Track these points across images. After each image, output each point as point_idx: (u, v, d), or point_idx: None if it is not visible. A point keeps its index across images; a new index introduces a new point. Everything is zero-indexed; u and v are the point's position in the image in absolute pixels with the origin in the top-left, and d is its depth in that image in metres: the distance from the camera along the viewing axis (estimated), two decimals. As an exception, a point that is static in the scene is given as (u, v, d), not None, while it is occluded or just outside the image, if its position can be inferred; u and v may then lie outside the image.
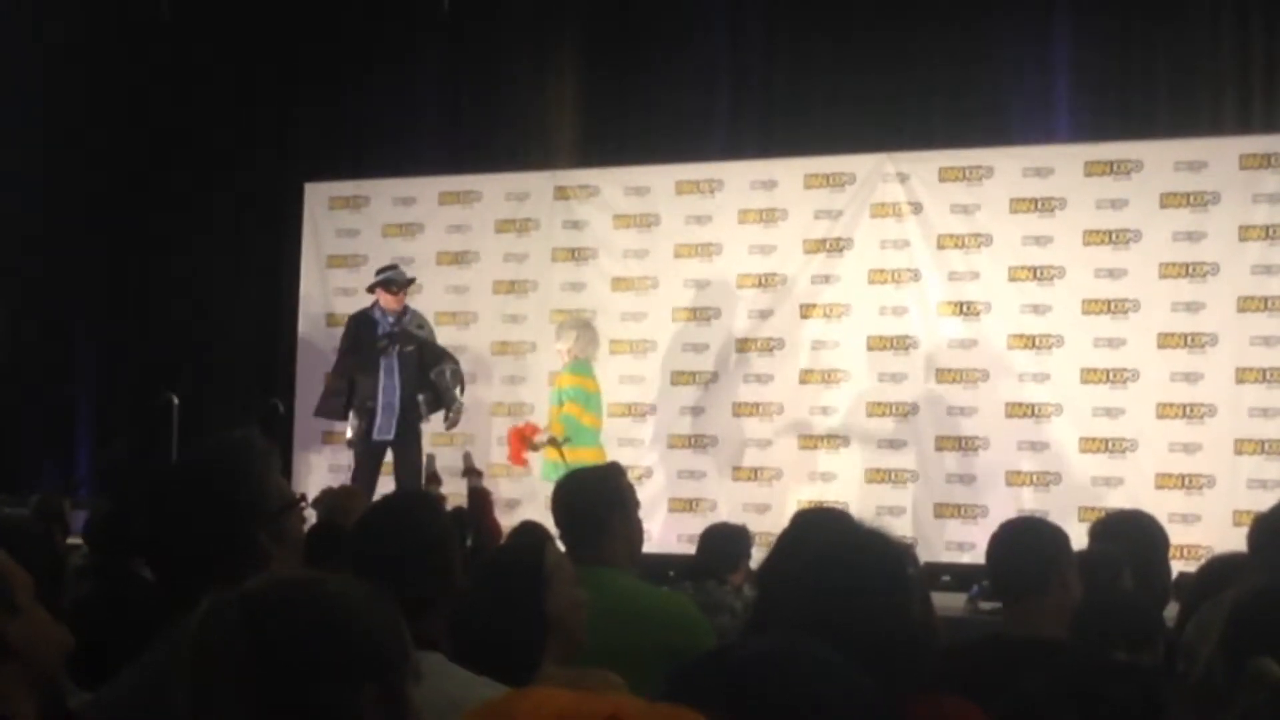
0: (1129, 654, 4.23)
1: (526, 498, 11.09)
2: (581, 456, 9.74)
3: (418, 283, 12.23)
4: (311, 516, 6.15)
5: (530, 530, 6.00)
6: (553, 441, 10.12)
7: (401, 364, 10.61)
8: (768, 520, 10.32)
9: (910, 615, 2.84)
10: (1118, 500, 9.99)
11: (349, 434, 10.80)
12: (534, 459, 10.65)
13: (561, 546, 4.10)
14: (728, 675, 1.88)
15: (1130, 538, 5.30)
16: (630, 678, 3.20)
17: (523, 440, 10.34)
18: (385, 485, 10.50)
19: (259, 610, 2.03)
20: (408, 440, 10.59)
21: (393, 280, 10.84)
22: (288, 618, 2.03)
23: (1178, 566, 6.25)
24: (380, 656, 2.06)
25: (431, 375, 10.64)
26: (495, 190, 12.17)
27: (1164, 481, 10.22)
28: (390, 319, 10.77)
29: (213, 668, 2.01)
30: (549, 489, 6.20)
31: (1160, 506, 9.27)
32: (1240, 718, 2.25)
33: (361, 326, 10.85)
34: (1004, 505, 10.25)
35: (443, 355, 10.77)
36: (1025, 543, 4.33)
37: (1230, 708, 2.36)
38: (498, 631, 3.41)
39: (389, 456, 10.72)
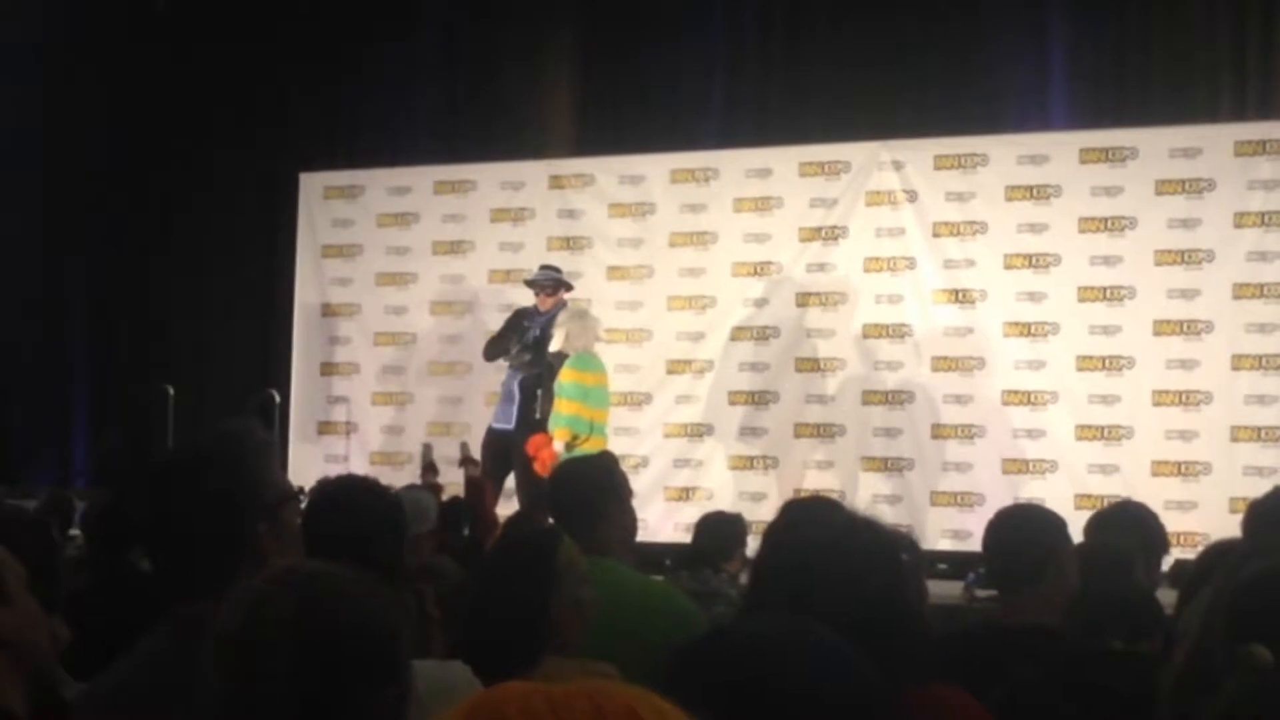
0: (1127, 643, 4.23)
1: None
2: (591, 448, 9.70)
3: (414, 273, 12.25)
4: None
5: (531, 521, 6.00)
6: (569, 448, 9.99)
7: (517, 355, 10.54)
8: (764, 509, 10.33)
9: (906, 602, 2.84)
10: (1114, 488, 10.00)
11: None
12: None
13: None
14: (728, 656, 1.88)
15: (1136, 531, 5.30)
16: (625, 668, 3.21)
17: (543, 465, 10.07)
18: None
19: (316, 611, 2.03)
20: (524, 434, 10.39)
21: (531, 282, 10.79)
22: (340, 619, 2.03)
23: (1174, 554, 6.26)
24: (399, 659, 2.07)
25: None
26: (490, 179, 12.17)
27: (1160, 469, 10.23)
28: (540, 317, 10.68)
29: (262, 665, 2.01)
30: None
31: (1156, 494, 9.32)
32: (1229, 701, 2.25)
33: (516, 317, 10.82)
34: (1000, 493, 10.25)
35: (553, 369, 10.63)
36: (1022, 531, 4.32)
37: (1222, 692, 2.37)
38: (503, 624, 3.40)
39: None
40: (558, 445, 9.83)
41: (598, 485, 4.60)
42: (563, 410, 9.97)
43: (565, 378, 10.06)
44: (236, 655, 2.03)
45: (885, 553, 2.83)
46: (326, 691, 2.00)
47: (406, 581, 3.75)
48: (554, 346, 10.18)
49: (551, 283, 10.71)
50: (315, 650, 2.00)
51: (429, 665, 3.16)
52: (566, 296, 10.77)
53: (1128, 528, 5.31)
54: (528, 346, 10.53)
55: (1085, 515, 5.83)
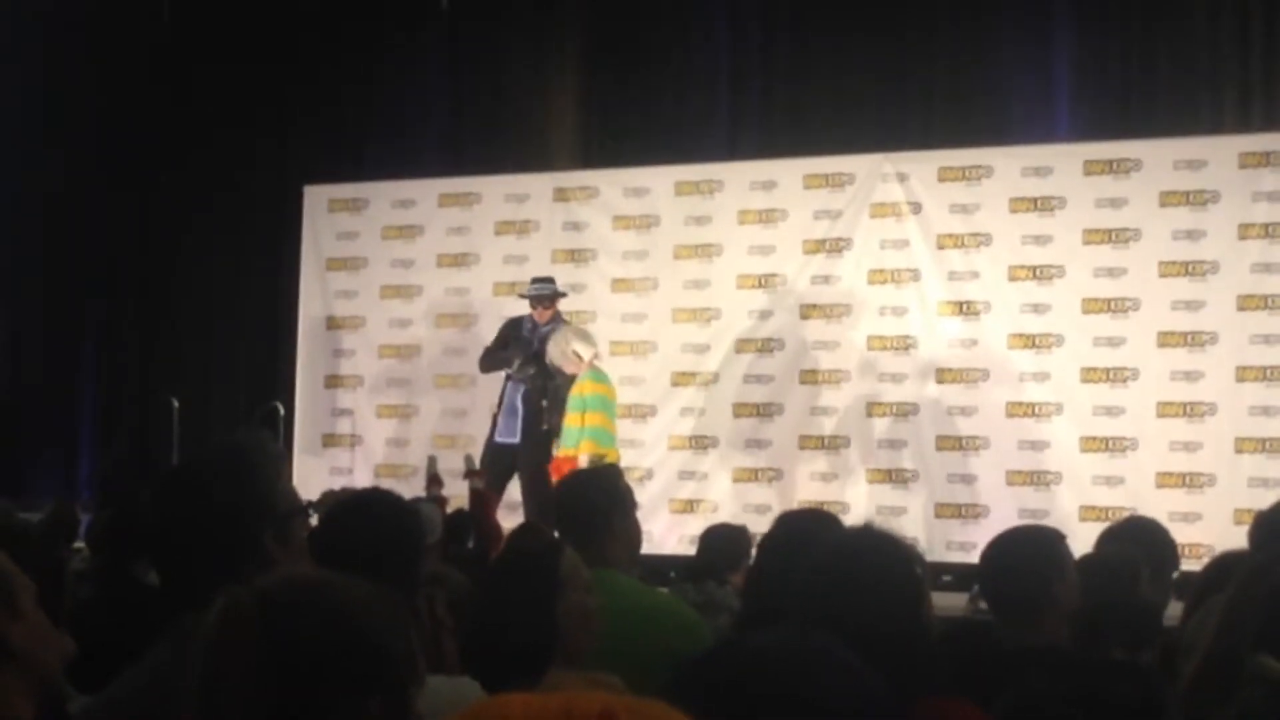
0: (1129, 653, 4.22)
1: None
2: (613, 460, 9.70)
3: (418, 285, 12.25)
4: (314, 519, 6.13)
5: (536, 533, 5.99)
6: (594, 461, 9.96)
7: (522, 368, 10.52)
8: (768, 521, 10.20)
9: (920, 615, 2.85)
10: (1119, 499, 9.99)
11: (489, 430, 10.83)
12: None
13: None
14: (737, 668, 1.88)
15: (1144, 542, 5.29)
16: (630, 679, 3.21)
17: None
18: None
19: (276, 611, 2.03)
20: (532, 448, 10.45)
21: (531, 296, 10.77)
22: (303, 621, 2.02)
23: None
24: (389, 667, 2.05)
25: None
26: (495, 192, 12.18)
27: (1165, 480, 10.21)
28: (529, 327, 10.69)
29: (225, 665, 2.01)
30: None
31: (1161, 505, 9.31)
32: (1239, 711, 2.26)
33: (509, 328, 10.83)
34: (1004, 505, 10.26)
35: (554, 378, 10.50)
36: (1014, 566, 4.23)
37: (1235, 701, 2.37)
38: (508, 635, 3.40)
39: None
40: (583, 462, 9.75)
41: (603, 497, 4.59)
42: (589, 423, 9.94)
43: (588, 390, 10.01)
44: (204, 659, 2.03)
45: (902, 566, 2.83)
46: (291, 697, 1.99)
47: (419, 592, 3.75)
48: (587, 357, 10.12)
49: (550, 294, 10.73)
50: (275, 654, 1.99)
51: (439, 681, 3.15)
52: (570, 310, 10.79)
53: (1139, 541, 5.29)
54: (532, 359, 10.52)
55: (1090, 527, 5.84)
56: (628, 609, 4.16)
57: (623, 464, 9.70)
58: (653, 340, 11.59)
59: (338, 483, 11.00)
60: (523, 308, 10.98)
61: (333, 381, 12.59)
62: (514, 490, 10.73)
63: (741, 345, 11.34)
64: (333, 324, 12.59)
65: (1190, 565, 6.65)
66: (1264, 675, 2.34)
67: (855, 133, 11.43)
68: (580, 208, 11.92)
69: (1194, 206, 10.29)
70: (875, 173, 11.06)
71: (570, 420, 10.05)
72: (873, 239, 11.04)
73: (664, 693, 1.80)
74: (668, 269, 11.59)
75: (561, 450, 10.04)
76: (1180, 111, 10.93)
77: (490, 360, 10.85)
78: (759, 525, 9.38)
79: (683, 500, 11.38)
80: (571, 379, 10.22)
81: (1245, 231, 10.19)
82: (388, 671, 2.05)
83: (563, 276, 11.63)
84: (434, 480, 10.11)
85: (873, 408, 10.97)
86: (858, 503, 10.59)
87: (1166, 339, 10.30)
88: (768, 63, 12.26)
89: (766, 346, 11.28)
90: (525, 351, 10.55)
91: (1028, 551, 4.30)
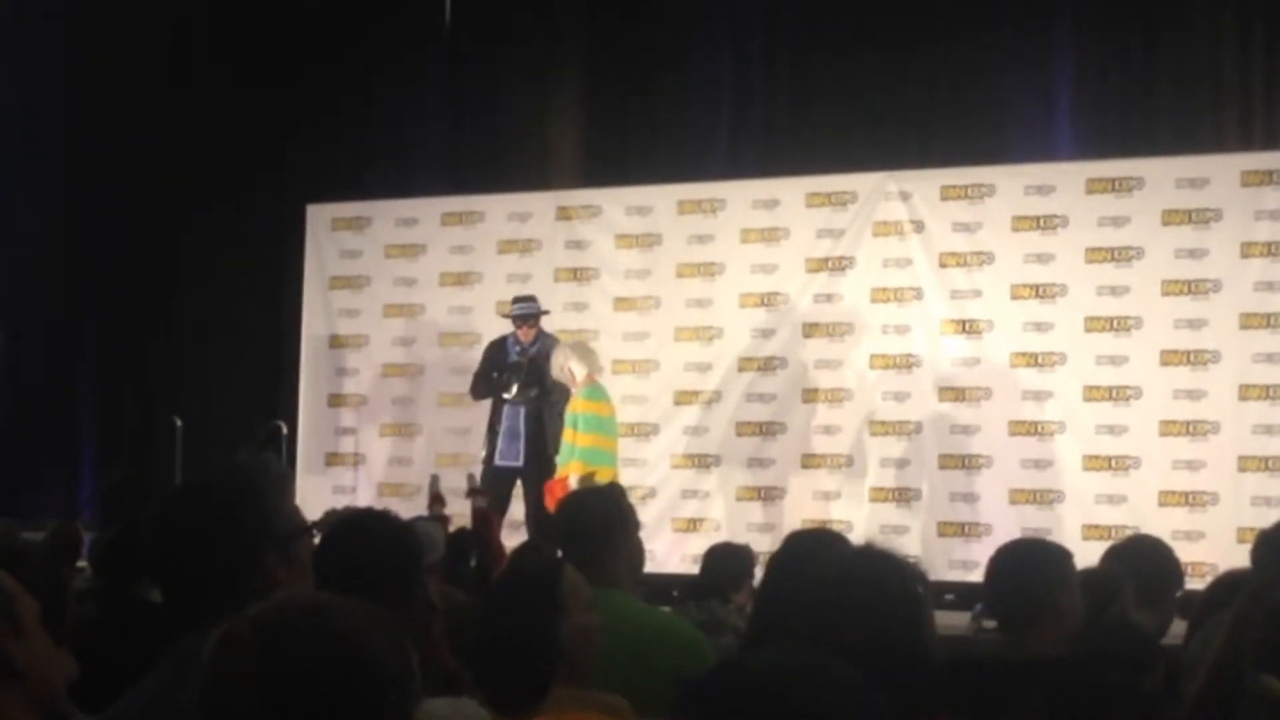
0: (1132, 673, 4.22)
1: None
2: (604, 478, 9.71)
3: (421, 304, 12.27)
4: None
5: (537, 551, 5.99)
6: (584, 482, 9.97)
7: (523, 391, 10.54)
8: (771, 540, 10.30)
9: (921, 634, 2.85)
10: (1122, 518, 9.99)
11: (483, 453, 10.82)
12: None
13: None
14: (738, 687, 1.88)
15: (1147, 560, 5.29)
16: (633, 698, 3.21)
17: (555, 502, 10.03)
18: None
19: (274, 635, 2.03)
20: (538, 468, 10.49)
21: (513, 316, 10.81)
22: (302, 645, 2.02)
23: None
24: (388, 688, 2.05)
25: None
26: (497, 211, 12.19)
27: (1167, 499, 10.21)
28: (518, 348, 10.73)
29: (225, 689, 2.01)
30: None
31: (1164, 524, 9.31)
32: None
33: (495, 351, 10.86)
34: (1007, 523, 10.24)
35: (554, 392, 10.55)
36: (1021, 571, 4.22)
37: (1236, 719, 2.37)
38: (510, 654, 3.40)
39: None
40: (573, 482, 9.78)
41: (605, 516, 4.59)
42: (579, 443, 9.96)
43: (580, 409, 10.05)
44: (204, 684, 2.03)
45: (903, 585, 2.83)
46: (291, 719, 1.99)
47: (418, 610, 3.75)
48: (580, 375, 10.15)
49: (536, 313, 10.77)
50: (274, 678, 1.99)
51: (440, 702, 3.15)
52: (573, 329, 10.80)
53: (1142, 559, 5.29)
54: (531, 382, 10.52)
55: (1093, 545, 5.84)
56: (630, 628, 4.16)
57: (625, 483, 9.69)
58: (655, 359, 11.60)
59: (341, 502, 11.00)
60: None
61: (336, 400, 12.60)
62: (515, 511, 10.74)
63: (744, 364, 11.34)
64: (336, 342, 12.59)
65: (1193, 584, 6.65)
66: (1266, 694, 2.35)
67: (858, 151, 11.43)
68: (582, 226, 11.93)
69: (1196, 225, 10.29)
70: (878, 191, 11.06)
71: (565, 436, 10.10)
72: (875, 257, 11.05)
73: (666, 712, 1.80)
74: (670, 287, 11.60)
75: (558, 470, 10.08)
76: (1182, 129, 10.94)
77: (484, 387, 10.84)
78: (762, 544, 9.46)
79: (685, 519, 11.38)
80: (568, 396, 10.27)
81: (1248, 250, 10.20)
82: (387, 693, 2.05)
83: (565, 295, 11.65)
84: (436, 499, 10.10)
85: (875, 426, 10.97)
86: (860, 521, 10.59)
87: (1169, 357, 10.30)
88: (770, 81, 12.28)
89: (769, 365, 11.28)
90: (521, 374, 10.56)
91: (1035, 560, 4.31)
